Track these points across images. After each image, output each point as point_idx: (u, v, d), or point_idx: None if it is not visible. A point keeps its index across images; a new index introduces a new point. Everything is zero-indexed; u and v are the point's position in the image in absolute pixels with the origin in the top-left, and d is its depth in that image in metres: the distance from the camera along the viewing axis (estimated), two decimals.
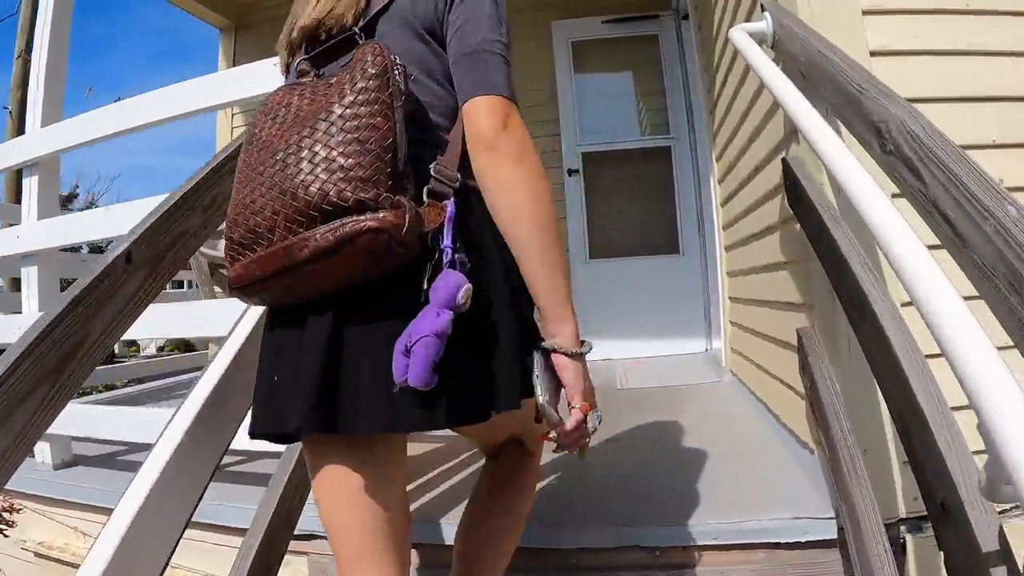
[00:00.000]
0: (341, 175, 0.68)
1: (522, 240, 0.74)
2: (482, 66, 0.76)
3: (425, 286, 0.71)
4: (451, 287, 0.69)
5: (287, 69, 0.92)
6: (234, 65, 4.51)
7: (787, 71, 1.20)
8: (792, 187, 1.32)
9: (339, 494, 0.78)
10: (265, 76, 1.54)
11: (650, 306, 3.61)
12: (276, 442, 0.82)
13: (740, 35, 1.29)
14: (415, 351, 0.66)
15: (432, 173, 0.76)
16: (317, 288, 0.73)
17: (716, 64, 2.42)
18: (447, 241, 0.72)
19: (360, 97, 0.71)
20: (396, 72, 0.72)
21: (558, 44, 3.80)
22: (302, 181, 0.69)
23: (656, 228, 3.72)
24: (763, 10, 1.35)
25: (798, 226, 1.32)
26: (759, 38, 1.31)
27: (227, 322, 1.29)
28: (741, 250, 2.45)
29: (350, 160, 0.68)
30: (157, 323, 1.75)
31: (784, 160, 1.37)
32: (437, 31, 0.81)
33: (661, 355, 3.61)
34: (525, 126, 0.76)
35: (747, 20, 1.88)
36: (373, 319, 0.73)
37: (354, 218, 0.67)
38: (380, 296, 0.73)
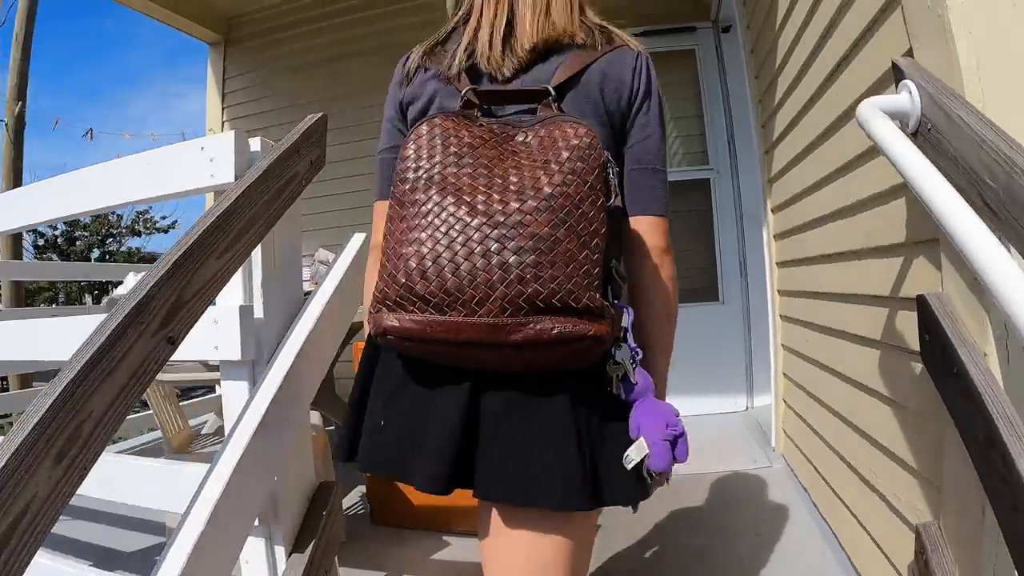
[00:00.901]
0: (575, 280, 0.68)
1: (662, 329, 0.86)
2: (661, 186, 0.87)
3: (617, 382, 0.78)
4: (648, 381, 0.80)
5: (408, 76, 0.92)
6: (224, 80, 4.15)
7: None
8: (933, 339, 0.89)
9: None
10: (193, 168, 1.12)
11: (685, 360, 3.10)
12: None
13: (873, 115, 0.85)
14: (683, 434, 0.77)
15: (615, 274, 0.80)
16: (500, 366, 0.74)
17: (780, 65, 1.96)
18: (632, 343, 0.79)
19: (579, 185, 0.71)
20: (609, 165, 0.76)
21: None
22: (535, 271, 0.68)
23: (692, 273, 3.27)
24: (899, 75, 0.92)
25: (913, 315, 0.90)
26: (895, 116, 0.88)
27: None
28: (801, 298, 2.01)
29: (581, 261, 0.69)
30: None
31: (923, 297, 0.93)
32: (617, 121, 0.85)
33: (696, 414, 3.17)
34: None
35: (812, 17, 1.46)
36: (523, 394, 0.75)
37: (576, 320, 0.68)
38: (547, 380, 0.75)
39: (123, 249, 15.24)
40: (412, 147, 0.77)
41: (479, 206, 0.70)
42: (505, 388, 0.75)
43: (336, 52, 3.86)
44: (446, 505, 1.98)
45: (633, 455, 0.75)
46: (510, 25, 0.87)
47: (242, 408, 1.04)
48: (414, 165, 0.75)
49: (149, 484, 1.16)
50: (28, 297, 14.59)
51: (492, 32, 0.86)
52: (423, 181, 0.73)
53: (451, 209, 0.70)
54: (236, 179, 1.01)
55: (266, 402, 1.04)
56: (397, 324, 0.70)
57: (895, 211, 1.14)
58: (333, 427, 3.15)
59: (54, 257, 14.23)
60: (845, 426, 1.57)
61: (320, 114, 1.15)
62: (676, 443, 0.77)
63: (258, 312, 1.09)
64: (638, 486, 0.77)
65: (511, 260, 0.67)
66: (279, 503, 1.18)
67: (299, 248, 1.16)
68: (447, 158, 0.74)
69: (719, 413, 3.19)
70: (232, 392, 1.11)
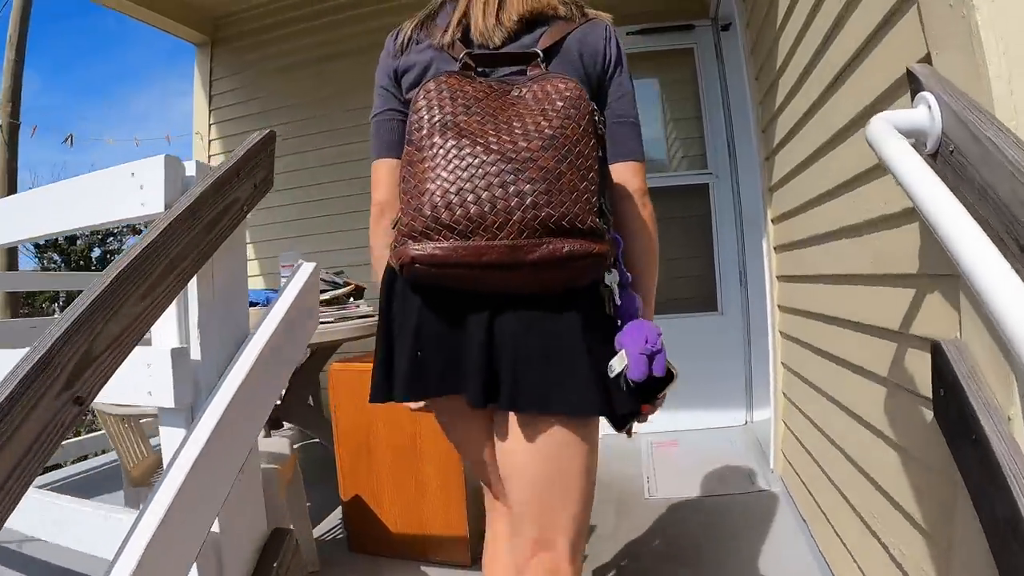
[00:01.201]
0: (580, 205, 0.79)
1: (647, 260, 0.98)
2: (636, 135, 0.98)
3: (610, 303, 0.89)
4: (637, 304, 0.92)
5: (402, 47, 0.99)
6: (211, 81, 4.04)
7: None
8: (949, 397, 0.77)
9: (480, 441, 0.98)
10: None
11: (683, 372, 3.02)
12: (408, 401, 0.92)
13: (886, 134, 0.73)
14: (662, 351, 0.85)
15: (604, 208, 0.86)
16: (517, 286, 0.82)
17: (781, 67, 1.84)
18: (623, 267, 0.93)
19: (575, 129, 0.82)
20: (595, 114, 0.87)
21: None
22: (545, 194, 0.77)
23: (690, 281, 3.15)
24: (916, 86, 0.79)
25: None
26: (910, 134, 0.76)
27: None
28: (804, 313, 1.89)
29: (581, 190, 0.79)
30: None
31: (939, 345, 0.82)
32: (595, 83, 0.96)
33: (695, 428, 3.06)
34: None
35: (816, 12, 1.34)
36: (538, 312, 0.84)
37: (582, 241, 0.79)
38: (554, 302, 0.84)
39: (124, 248, 15.16)
40: (423, 100, 0.84)
41: (492, 145, 0.79)
42: (520, 310, 0.84)
43: (324, 52, 3.75)
44: (423, 534, 1.88)
45: (615, 365, 0.83)
46: (501, 1, 0.95)
47: (173, 455, 0.94)
48: (427, 115, 0.83)
49: (80, 526, 1.06)
50: (28, 297, 14.56)
51: (485, 5, 0.95)
52: (438, 127, 0.81)
53: (468, 149, 0.79)
54: (167, 209, 0.90)
55: (199, 448, 0.93)
56: (424, 252, 0.78)
57: (908, 237, 1.02)
58: (320, 442, 3.05)
59: (55, 256, 14.19)
60: (846, 461, 1.45)
61: (267, 131, 1.03)
62: (654, 358, 0.84)
63: (195, 353, 0.98)
64: (631, 401, 0.86)
65: (526, 188, 0.77)
66: (223, 555, 1.07)
67: (242, 278, 1.05)
68: (456, 107, 0.83)
69: (718, 428, 3.07)
70: (169, 439, 1.01)
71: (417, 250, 0.78)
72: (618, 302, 0.89)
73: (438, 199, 0.78)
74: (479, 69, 0.91)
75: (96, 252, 14.72)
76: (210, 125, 4.06)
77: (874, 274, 1.21)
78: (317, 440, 2.87)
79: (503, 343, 0.83)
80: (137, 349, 0.88)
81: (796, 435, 2.04)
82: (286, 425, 2.72)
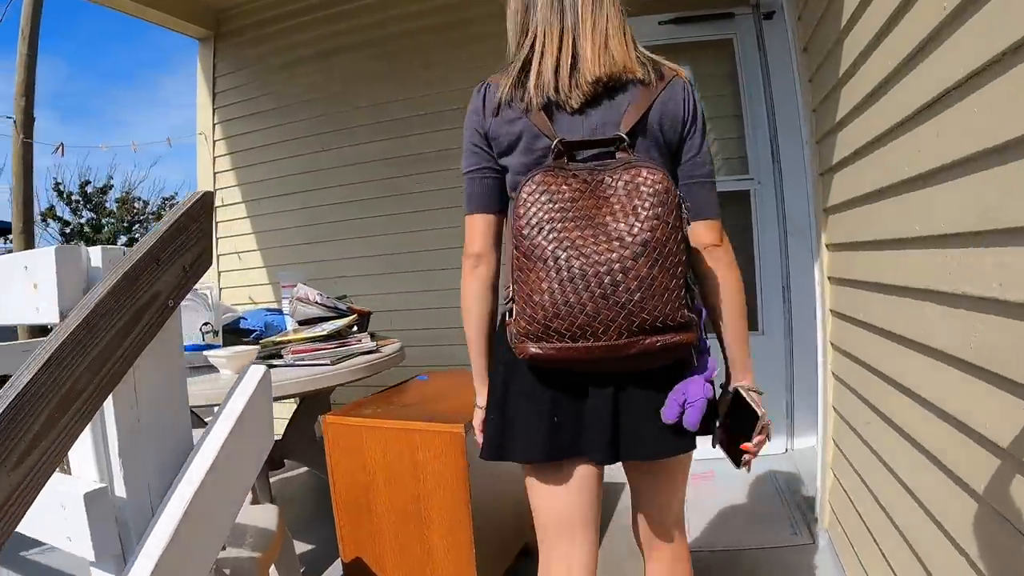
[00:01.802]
0: (670, 305, 0.90)
1: (734, 316, 1.07)
2: (711, 193, 1.05)
3: (695, 365, 1.03)
4: (711, 365, 1.04)
5: (493, 110, 1.03)
6: (214, 78, 3.84)
7: None
8: None
9: (577, 502, 1.10)
10: None
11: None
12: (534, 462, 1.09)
13: None
14: (694, 405, 0.97)
15: (688, 281, 0.96)
16: (623, 370, 0.98)
17: (848, 72, 1.54)
18: (703, 336, 1.04)
19: (665, 229, 0.90)
20: (682, 204, 0.94)
21: None
22: (642, 304, 0.89)
23: None
24: None
25: None
26: None
27: None
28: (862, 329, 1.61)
29: (671, 291, 0.90)
30: None
31: None
32: (674, 147, 1.04)
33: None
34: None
35: None
36: (646, 387, 1.01)
37: (674, 336, 0.92)
38: (652, 372, 1.00)
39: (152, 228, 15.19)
40: (523, 206, 0.93)
41: (592, 256, 0.89)
42: (630, 384, 1.00)
43: (329, 46, 3.51)
44: None
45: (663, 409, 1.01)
46: (574, 59, 0.99)
47: None
48: (527, 222, 0.92)
49: None
50: None
51: (559, 67, 0.99)
52: (541, 236, 0.91)
53: (571, 262, 0.89)
54: (62, 318, 0.69)
55: None
56: (541, 352, 0.93)
57: None
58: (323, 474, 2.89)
59: (81, 244, 14.33)
60: (931, 525, 1.17)
61: (201, 194, 0.81)
62: (686, 411, 0.98)
63: (119, 488, 0.78)
64: (692, 437, 1.03)
65: (623, 299, 0.88)
66: None
67: (178, 385, 0.84)
68: (555, 213, 0.91)
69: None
70: None
71: (535, 349, 0.93)
72: (695, 364, 1.03)
73: (549, 311, 0.90)
74: (571, 153, 0.99)
75: (122, 239, 14.80)
76: (214, 125, 3.87)
77: (998, 299, 0.91)
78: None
79: (627, 407, 1.01)
80: (52, 483, 0.68)
81: (846, 488, 1.78)
82: (287, 463, 2.55)
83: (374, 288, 3.39)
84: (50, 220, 13.96)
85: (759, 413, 1.02)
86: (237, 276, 3.80)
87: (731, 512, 2.35)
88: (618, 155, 0.97)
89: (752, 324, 2.81)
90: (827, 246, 1.97)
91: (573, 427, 1.02)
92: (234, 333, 2.22)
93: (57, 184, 13.66)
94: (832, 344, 2.02)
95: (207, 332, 1.85)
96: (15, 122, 7.08)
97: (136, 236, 15.07)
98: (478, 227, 1.06)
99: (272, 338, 2.00)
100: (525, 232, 0.91)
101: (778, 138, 2.73)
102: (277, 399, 2.00)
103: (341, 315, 2.25)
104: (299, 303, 2.31)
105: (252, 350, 1.77)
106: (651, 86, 0.99)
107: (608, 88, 0.98)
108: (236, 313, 2.30)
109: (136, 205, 14.92)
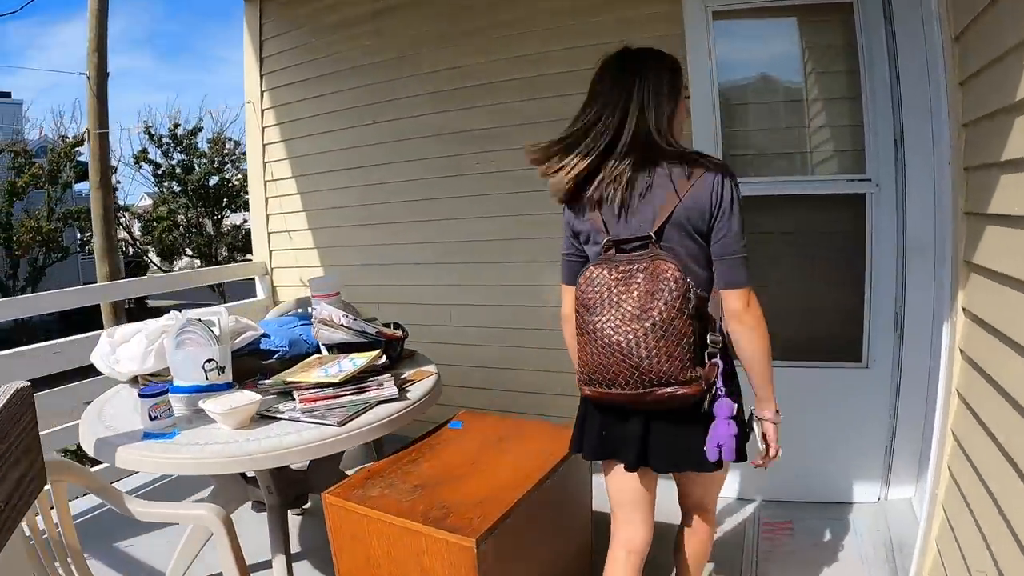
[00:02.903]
0: (673, 367, 1.19)
1: (754, 365, 1.29)
2: (737, 268, 1.24)
3: (706, 408, 1.26)
4: (727, 408, 1.25)
5: (573, 209, 1.37)
6: (261, 42, 3.61)
7: None
8: None
9: (628, 489, 1.45)
10: None
11: (808, 432, 2.34)
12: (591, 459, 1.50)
13: None
14: (725, 445, 1.24)
15: (708, 342, 1.26)
16: (647, 408, 1.27)
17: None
18: (720, 384, 1.26)
19: (671, 311, 1.18)
20: (690, 289, 1.20)
21: (692, 11, 2.40)
22: (649, 366, 1.19)
23: (829, 321, 2.43)
24: None
25: None
26: None
27: None
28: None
29: (675, 357, 1.19)
30: None
31: None
32: (703, 232, 1.25)
33: (816, 501, 2.45)
34: (757, 302, 1.26)
35: None
36: (669, 420, 1.30)
37: (678, 389, 1.20)
38: (673, 411, 1.27)
39: (238, 178, 15.50)
40: (580, 289, 1.28)
41: (618, 330, 1.21)
42: (654, 417, 1.31)
43: (381, 5, 3.15)
44: None
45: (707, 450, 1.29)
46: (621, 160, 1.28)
47: None
48: (582, 303, 1.27)
49: None
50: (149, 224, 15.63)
51: (615, 191, 1.28)
52: (588, 314, 1.26)
53: (605, 334, 1.22)
54: None
55: None
56: (590, 392, 1.30)
57: None
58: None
59: (174, 184, 14.96)
60: None
61: (14, 389, 0.56)
62: (721, 449, 1.25)
63: None
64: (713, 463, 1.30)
65: (637, 363, 1.20)
66: None
67: None
68: (596, 295, 1.25)
69: (843, 503, 2.44)
70: None
71: (587, 391, 1.31)
72: (705, 408, 1.26)
73: (589, 367, 1.27)
74: (617, 248, 1.29)
75: (213, 180, 15.32)
76: (262, 92, 3.66)
77: None
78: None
79: (654, 432, 1.32)
80: None
81: (956, 537, 1.40)
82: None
83: (430, 279, 3.17)
84: (143, 163, 14.67)
85: (759, 445, 1.34)
86: (289, 256, 3.68)
87: (807, 569, 2.04)
88: (650, 247, 1.25)
89: (854, 354, 2.36)
90: (966, 265, 1.50)
91: (615, 440, 1.36)
92: (255, 354, 2.05)
93: (148, 127, 14.20)
94: (959, 393, 1.59)
95: (211, 370, 1.67)
96: (88, 79, 7.21)
97: (225, 176, 15.57)
98: (567, 295, 1.42)
99: (282, 376, 1.81)
100: (579, 310, 1.28)
101: (904, 128, 2.17)
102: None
103: (370, 341, 2.03)
104: (322, 327, 2.10)
105: (253, 404, 1.58)
106: (681, 183, 1.23)
107: (645, 189, 1.26)
108: (256, 332, 2.10)
109: (227, 146, 15.31)
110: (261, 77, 3.66)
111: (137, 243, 16.82)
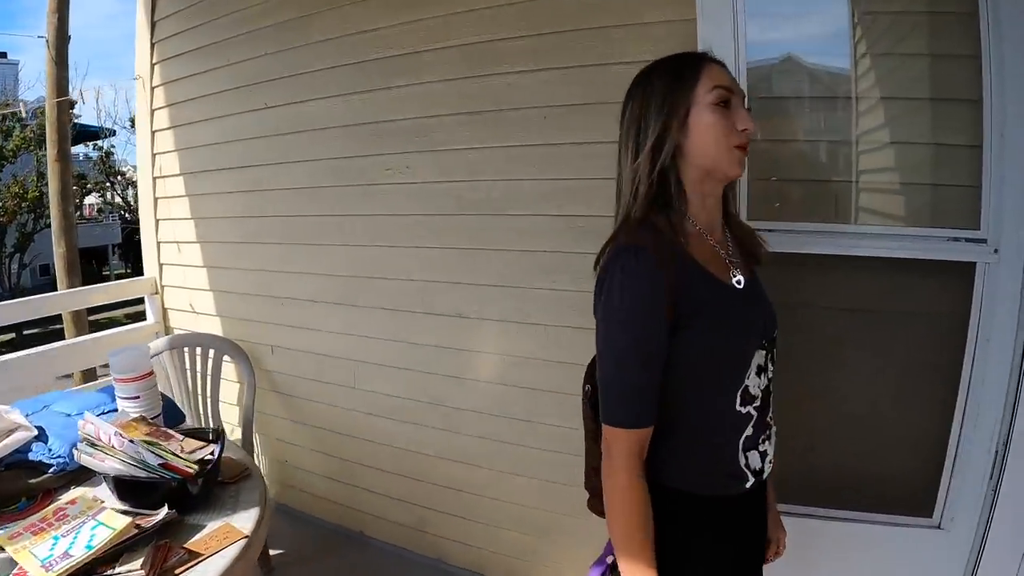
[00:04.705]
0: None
1: (608, 519, 1.00)
2: (602, 394, 0.99)
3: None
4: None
5: None
6: (153, 5, 2.78)
7: None
8: None
9: None
10: None
11: None
12: None
13: None
14: None
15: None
16: None
17: None
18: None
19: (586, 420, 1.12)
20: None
21: None
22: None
23: (887, 456, 1.58)
24: None
25: None
26: None
27: None
28: None
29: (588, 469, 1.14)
30: None
31: None
32: None
33: None
34: (624, 450, 0.95)
35: None
36: None
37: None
38: None
39: None
40: None
41: None
42: None
43: None
44: None
45: None
46: None
47: None
48: None
49: None
50: None
51: None
52: None
53: None
54: None
55: None
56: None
57: None
58: None
59: None
60: None
61: None
62: None
63: None
64: None
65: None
66: None
67: None
68: None
69: None
70: None
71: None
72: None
73: None
74: None
75: None
76: (152, 65, 2.84)
77: None
78: None
79: None
80: None
81: None
82: None
83: (330, 323, 2.36)
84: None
85: None
86: (178, 274, 2.89)
87: None
88: None
89: (924, 507, 1.52)
90: None
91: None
92: (21, 467, 1.36)
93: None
94: None
95: None
96: (47, 42, 6.46)
97: None
98: None
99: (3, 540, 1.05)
100: None
101: None
102: None
103: (151, 482, 1.26)
104: (85, 448, 1.33)
105: None
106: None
107: None
108: (29, 433, 1.40)
109: None
110: (152, 46, 2.84)
111: (135, 209, 16.63)
